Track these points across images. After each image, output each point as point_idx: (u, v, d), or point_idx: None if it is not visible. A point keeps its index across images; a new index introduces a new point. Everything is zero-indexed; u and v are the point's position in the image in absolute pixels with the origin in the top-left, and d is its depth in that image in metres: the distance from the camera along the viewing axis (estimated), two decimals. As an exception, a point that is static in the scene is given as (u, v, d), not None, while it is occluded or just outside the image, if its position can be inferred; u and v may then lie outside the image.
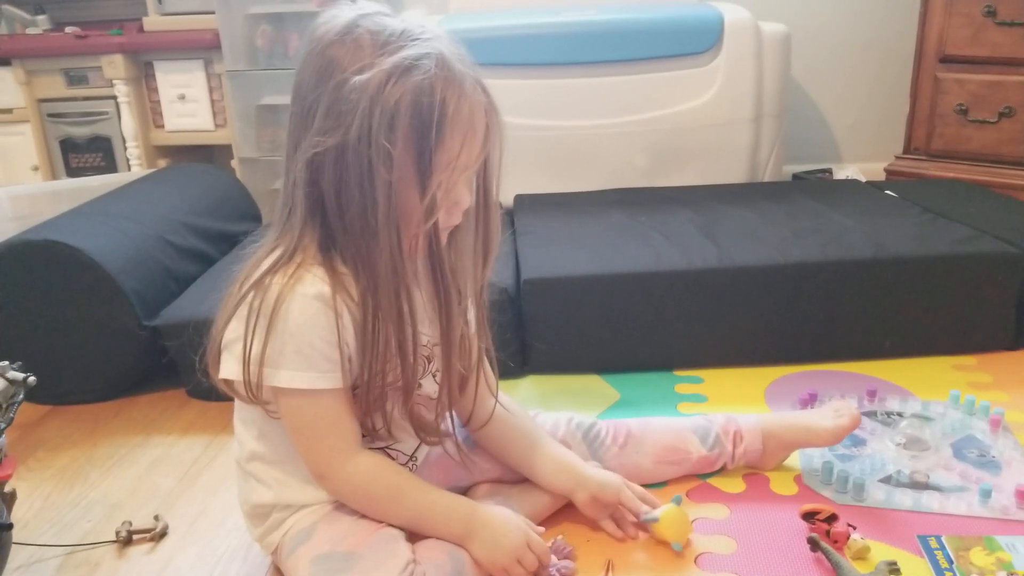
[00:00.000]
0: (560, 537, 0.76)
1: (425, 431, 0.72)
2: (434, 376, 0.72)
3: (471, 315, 0.74)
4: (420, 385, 0.70)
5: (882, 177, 1.86)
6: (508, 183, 1.58)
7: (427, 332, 0.70)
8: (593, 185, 1.60)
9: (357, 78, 0.59)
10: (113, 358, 1.13)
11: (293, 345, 0.63)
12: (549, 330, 1.14)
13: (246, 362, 0.63)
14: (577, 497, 0.77)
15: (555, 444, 0.79)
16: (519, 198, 1.55)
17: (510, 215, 1.46)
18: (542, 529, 0.73)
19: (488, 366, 0.77)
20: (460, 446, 0.76)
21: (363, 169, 0.60)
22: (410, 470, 0.76)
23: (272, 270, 0.64)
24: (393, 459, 0.73)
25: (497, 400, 0.77)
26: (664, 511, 0.75)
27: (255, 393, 0.65)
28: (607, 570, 0.73)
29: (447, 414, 0.74)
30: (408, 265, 0.65)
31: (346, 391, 0.66)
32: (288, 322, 0.62)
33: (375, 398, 0.66)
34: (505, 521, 0.70)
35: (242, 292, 0.64)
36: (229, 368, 0.66)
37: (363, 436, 0.69)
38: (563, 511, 0.82)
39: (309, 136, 0.61)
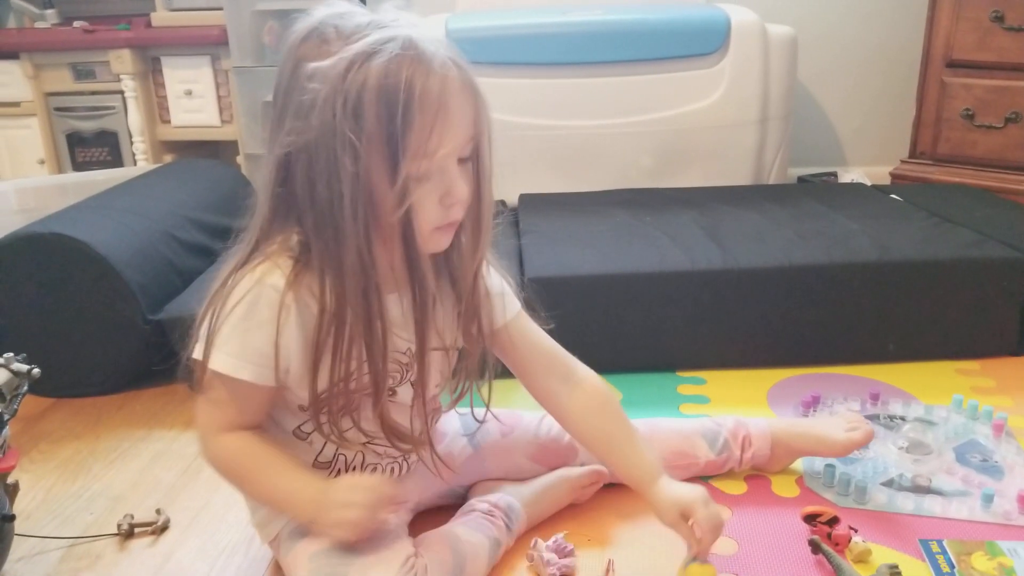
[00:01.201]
0: (562, 536, 0.76)
1: (399, 438, 0.68)
2: (413, 385, 0.70)
3: (498, 312, 0.71)
4: (395, 392, 0.68)
5: (887, 181, 1.85)
6: (513, 182, 1.61)
7: (407, 338, 0.67)
8: (598, 185, 1.60)
9: (314, 65, 0.57)
10: (117, 352, 1.13)
11: (232, 329, 0.62)
12: (552, 329, 1.14)
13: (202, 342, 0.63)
14: None
15: (643, 451, 0.73)
16: (524, 197, 1.55)
17: (515, 214, 1.46)
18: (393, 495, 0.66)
19: (554, 350, 0.75)
20: (436, 456, 0.73)
21: (329, 163, 0.57)
22: (400, 470, 0.75)
23: (240, 266, 0.64)
24: (380, 455, 0.72)
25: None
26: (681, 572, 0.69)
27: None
28: (607, 570, 0.73)
29: (427, 422, 0.71)
30: (383, 265, 0.62)
31: (270, 390, 0.64)
32: (235, 307, 0.62)
33: (341, 405, 0.64)
34: (338, 486, 0.64)
35: (214, 290, 0.64)
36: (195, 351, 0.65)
37: (338, 440, 0.67)
38: (566, 511, 0.82)
39: (280, 137, 0.60)
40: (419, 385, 0.69)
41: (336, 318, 0.61)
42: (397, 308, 0.66)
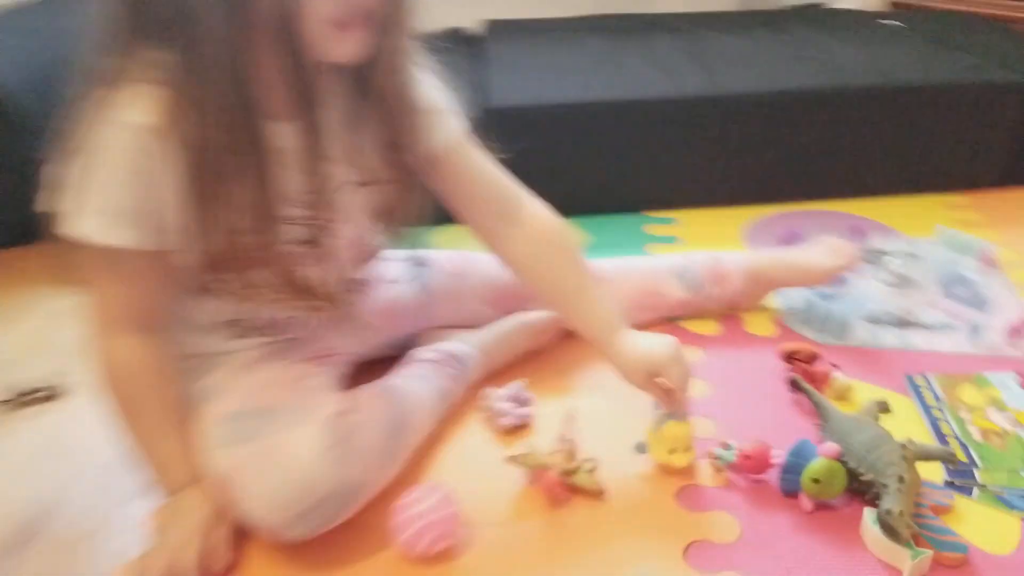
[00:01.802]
0: (521, 383, 0.69)
1: (306, 296, 0.57)
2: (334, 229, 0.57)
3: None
4: (316, 242, 0.56)
5: (887, 7, 1.68)
6: (481, 7, 1.39)
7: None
8: (572, 10, 1.43)
9: None
10: (7, 197, 0.97)
11: (96, 185, 0.48)
12: (515, 164, 1.01)
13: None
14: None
15: (597, 301, 0.62)
16: (492, 24, 1.37)
17: (481, 42, 1.28)
18: (223, 539, 0.55)
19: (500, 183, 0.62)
20: (348, 315, 0.62)
21: None
22: (318, 320, 0.63)
23: (97, 96, 0.48)
24: (294, 308, 0.60)
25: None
26: (654, 435, 0.61)
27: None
28: (568, 420, 0.67)
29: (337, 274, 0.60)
30: (265, 83, 0.48)
31: (157, 259, 0.52)
32: (95, 157, 0.48)
33: (243, 258, 0.52)
34: (188, 511, 0.54)
35: (69, 132, 0.49)
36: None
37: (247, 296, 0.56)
38: (526, 359, 0.75)
39: None
40: (322, 229, 0.55)
41: (212, 151, 0.48)
42: (293, 139, 0.52)
